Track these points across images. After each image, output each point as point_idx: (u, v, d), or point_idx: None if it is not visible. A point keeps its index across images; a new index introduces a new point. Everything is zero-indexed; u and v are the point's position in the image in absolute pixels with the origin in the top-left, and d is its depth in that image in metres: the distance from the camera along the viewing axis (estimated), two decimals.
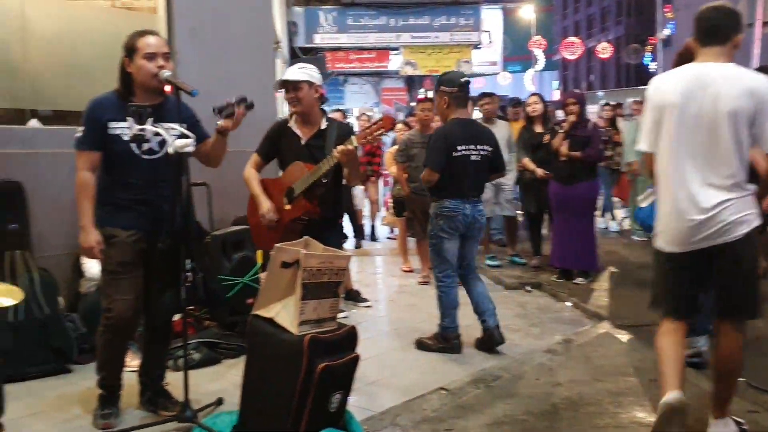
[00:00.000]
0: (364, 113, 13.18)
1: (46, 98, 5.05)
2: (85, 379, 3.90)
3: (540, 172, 6.68)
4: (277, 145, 4.01)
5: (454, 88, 4.52)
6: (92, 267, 4.36)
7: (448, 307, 4.59)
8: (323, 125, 3.93)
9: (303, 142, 3.92)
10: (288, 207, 3.87)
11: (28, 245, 4.32)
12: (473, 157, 4.52)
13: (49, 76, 4.97)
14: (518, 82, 32.88)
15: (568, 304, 5.92)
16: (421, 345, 4.68)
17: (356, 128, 7.01)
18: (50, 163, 4.52)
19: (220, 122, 3.35)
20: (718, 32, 2.98)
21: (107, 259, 3.31)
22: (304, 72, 3.85)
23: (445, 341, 4.60)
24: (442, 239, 4.56)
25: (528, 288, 6.49)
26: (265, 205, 3.90)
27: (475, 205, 4.59)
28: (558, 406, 3.71)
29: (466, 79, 4.60)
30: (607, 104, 10.27)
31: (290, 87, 3.84)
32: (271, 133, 4.06)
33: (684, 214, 2.94)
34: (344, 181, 3.97)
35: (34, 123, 4.93)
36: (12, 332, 3.96)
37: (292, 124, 3.97)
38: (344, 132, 3.92)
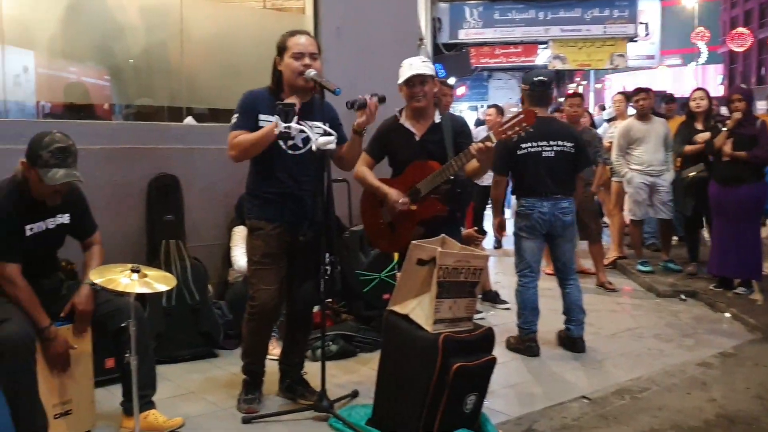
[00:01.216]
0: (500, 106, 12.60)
1: (201, 97, 5.35)
2: (230, 364, 4.09)
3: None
4: (388, 143, 3.88)
5: (527, 85, 4.65)
6: (240, 259, 4.56)
7: (522, 306, 4.56)
8: (437, 119, 3.81)
9: (417, 138, 3.79)
10: (414, 207, 3.73)
11: (182, 235, 4.57)
12: (545, 153, 4.44)
13: (204, 76, 5.25)
14: (678, 77, 31.01)
15: (727, 315, 5.49)
16: (508, 344, 4.64)
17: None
18: (204, 159, 4.76)
19: (357, 121, 3.36)
20: None
21: (253, 250, 3.44)
22: (428, 66, 3.77)
23: (521, 342, 4.54)
24: (520, 238, 4.57)
25: (682, 296, 6.09)
26: (393, 193, 3.73)
27: (556, 203, 4.44)
28: (710, 422, 3.46)
29: (540, 78, 4.63)
30: None
31: (418, 81, 3.71)
32: (381, 132, 3.90)
33: None
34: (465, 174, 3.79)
35: (189, 120, 5.22)
36: (165, 317, 4.21)
37: (404, 121, 3.83)
38: (459, 125, 3.86)
